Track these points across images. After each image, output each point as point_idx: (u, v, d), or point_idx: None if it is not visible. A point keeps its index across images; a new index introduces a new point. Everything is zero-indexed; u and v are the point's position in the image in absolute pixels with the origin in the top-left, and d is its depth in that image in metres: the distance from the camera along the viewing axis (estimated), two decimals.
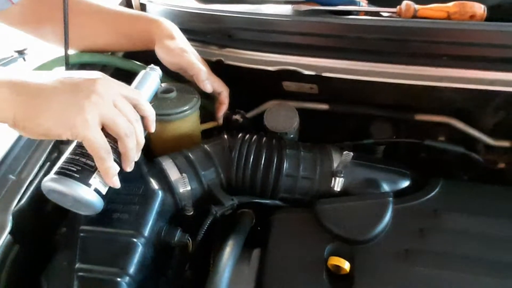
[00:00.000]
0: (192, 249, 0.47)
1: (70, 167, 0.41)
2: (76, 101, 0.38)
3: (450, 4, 0.55)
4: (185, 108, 0.56)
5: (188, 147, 0.55)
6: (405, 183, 0.54)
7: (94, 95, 0.39)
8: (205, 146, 0.54)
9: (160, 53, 0.59)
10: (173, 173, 0.50)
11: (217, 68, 0.62)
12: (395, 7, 0.58)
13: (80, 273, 0.40)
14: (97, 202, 0.42)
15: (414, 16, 0.56)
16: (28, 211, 0.48)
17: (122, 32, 0.62)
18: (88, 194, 0.40)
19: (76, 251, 0.42)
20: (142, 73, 0.52)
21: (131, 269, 0.40)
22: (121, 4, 0.78)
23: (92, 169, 0.41)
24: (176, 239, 0.46)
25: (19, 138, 0.53)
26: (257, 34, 0.62)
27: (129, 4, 0.78)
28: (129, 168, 0.44)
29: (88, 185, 0.41)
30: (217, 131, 0.63)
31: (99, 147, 0.39)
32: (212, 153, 0.53)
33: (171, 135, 0.58)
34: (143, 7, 0.77)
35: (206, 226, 0.48)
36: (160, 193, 0.47)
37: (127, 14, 0.63)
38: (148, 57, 0.61)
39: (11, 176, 0.50)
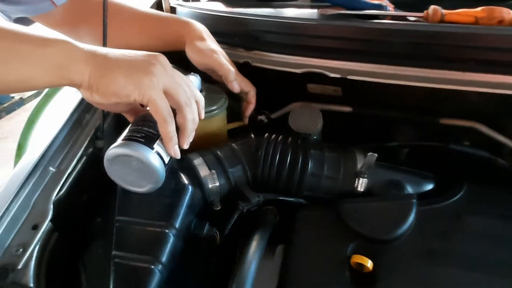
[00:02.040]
0: (219, 242, 0.49)
1: (134, 134, 0.43)
2: (143, 66, 0.42)
3: (478, 9, 0.55)
4: (213, 108, 0.59)
5: (214, 145, 0.57)
6: (429, 186, 0.55)
7: (159, 65, 0.42)
8: (233, 144, 0.56)
9: (190, 54, 0.61)
10: (203, 170, 0.52)
11: (244, 69, 0.64)
12: (422, 12, 0.58)
13: (116, 260, 0.42)
14: (160, 168, 0.43)
15: (442, 21, 0.56)
16: (67, 200, 0.51)
17: (154, 33, 0.65)
18: (152, 157, 0.42)
19: (112, 239, 0.44)
20: None
21: (164, 258, 0.42)
22: (152, 7, 0.81)
23: (155, 136, 0.44)
24: (204, 232, 0.48)
25: (59, 133, 0.57)
26: (284, 37, 0.63)
27: (159, 7, 0.81)
28: (186, 144, 0.46)
29: (152, 148, 0.43)
30: (242, 131, 0.65)
31: (163, 108, 0.41)
32: (239, 151, 0.55)
33: (199, 133, 0.60)
34: (172, 10, 0.80)
35: (233, 220, 0.49)
36: (190, 187, 0.49)
37: (159, 16, 0.66)
38: (175, 58, 0.64)
39: (51, 168, 0.53)
